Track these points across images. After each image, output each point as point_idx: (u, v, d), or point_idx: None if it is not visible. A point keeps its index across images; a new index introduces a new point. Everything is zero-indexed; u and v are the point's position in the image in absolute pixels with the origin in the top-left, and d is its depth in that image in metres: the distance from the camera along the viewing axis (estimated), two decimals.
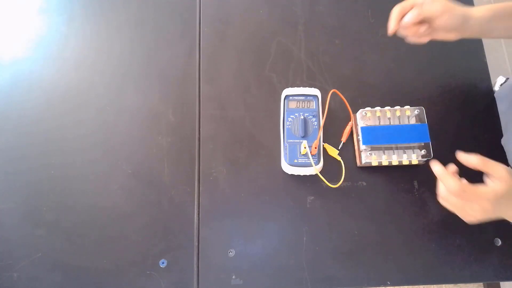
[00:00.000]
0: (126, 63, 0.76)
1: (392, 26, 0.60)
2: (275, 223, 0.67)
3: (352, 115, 0.71)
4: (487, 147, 0.71)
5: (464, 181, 0.51)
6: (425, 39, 0.62)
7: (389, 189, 0.68)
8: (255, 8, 0.81)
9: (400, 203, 0.67)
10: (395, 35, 0.79)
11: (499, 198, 0.49)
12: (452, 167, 0.53)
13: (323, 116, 0.68)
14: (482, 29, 0.59)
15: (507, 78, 0.74)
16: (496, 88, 0.76)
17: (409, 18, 0.58)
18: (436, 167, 0.53)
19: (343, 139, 0.70)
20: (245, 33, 0.79)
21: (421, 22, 0.59)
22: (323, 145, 0.69)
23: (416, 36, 0.61)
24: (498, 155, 0.70)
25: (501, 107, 0.73)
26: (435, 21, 0.58)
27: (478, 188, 0.50)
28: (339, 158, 0.69)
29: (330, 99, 0.69)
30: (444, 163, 0.69)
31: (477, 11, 0.59)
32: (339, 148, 0.70)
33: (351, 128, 0.71)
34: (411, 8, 0.58)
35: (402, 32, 0.61)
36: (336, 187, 0.67)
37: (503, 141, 0.70)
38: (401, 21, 0.59)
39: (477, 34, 0.61)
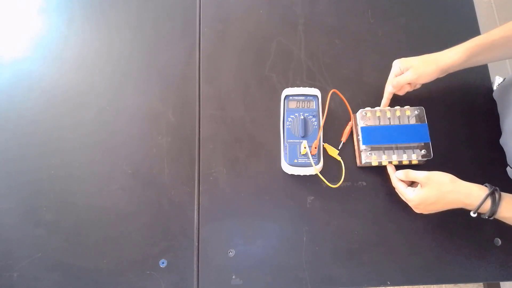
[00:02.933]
0: (126, 63, 0.76)
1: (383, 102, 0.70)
2: (275, 223, 0.67)
3: (352, 115, 0.71)
4: (487, 147, 0.71)
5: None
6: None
7: (389, 189, 0.68)
8: (255, 8, 0.81)
9: (400, 203, 0.67)
10: (395, 35, 0.80)
11: (418, 205, 0.60)
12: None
13: (323, 116, 0.68)
14: (461, 67, 0.64)
15: (504, 79, 0.74)
16: (495, 88, 0.76)
17: (390, 88, 0.68)
18: (389, 168, 0.66)
19: (343, 139, 0.70)
20: (245, 33, 0.79)
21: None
22: (323, 145, 0.69)
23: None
24: (498, 154, 0.70)
25: (498, 107, 0.73)
26: (416, 84, 0.67)
27: (405, 191, 0.61)
28: (339, 158, 0.69)
29: (330, 99, 0.69)
30: (444, 162, 0.70)
31: (451, 60, 0.62)
32: (339, 148, 0.70)
33: (351, 128, 0.71)
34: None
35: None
36: (336, 187, 0.67)
37: (501, 141, 0.70)
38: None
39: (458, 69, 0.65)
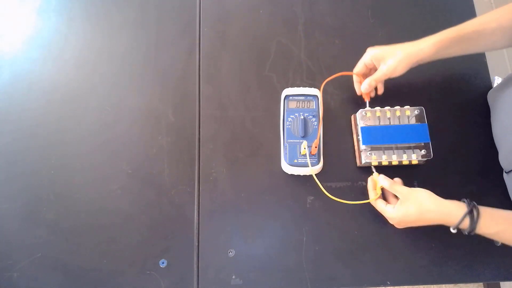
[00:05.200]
0: (126, 63, 0.76)
1: (358, 91, 0.71)
2: (275, 223, 0.67)
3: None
4: (487, 147, 0.71)
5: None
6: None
7: None
8: (255, 8, 0.81)
9: None
10: (395, 35, 0.80)
11: (399, 222, 0.60)
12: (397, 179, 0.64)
13: (322, 116, 0.68)
14: (432, 59, 0.64)
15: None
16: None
17: (365, 88, 0.68)
18: (369, 183, 0.66)
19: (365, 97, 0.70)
20: (245, 33, 0.79)
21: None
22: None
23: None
24: (496, 154, 0.70)
25: (491, 111, 0.73)
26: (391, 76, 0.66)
27: (385, 209, 0.61)
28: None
29: (330, 99, 0.69)
30: (444, 163, 0.70)
31: (423, 52, 0.62)
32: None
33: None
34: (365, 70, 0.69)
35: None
36: (336, 188, 0.67)
37: (495, 142, 0.70)
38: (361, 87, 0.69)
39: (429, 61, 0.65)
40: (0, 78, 0.75)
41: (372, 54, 0.66)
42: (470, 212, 0.53)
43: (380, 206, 0.62)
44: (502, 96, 0.67)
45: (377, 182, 0.64)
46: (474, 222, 0.53)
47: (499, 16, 0.60)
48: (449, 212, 0.55)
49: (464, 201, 0.55)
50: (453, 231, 0.56)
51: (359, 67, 0.69)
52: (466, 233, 0.55)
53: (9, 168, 0.69)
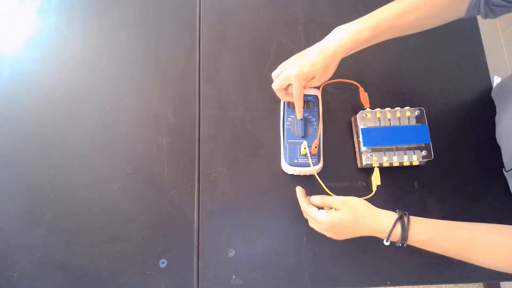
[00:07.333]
0: (126, 63, 0.76)
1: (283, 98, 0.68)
2: (275, 223, 0.67)
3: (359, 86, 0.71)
4: (487, 147, 0.71)
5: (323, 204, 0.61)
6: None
7: (389, 189, 0.68)
8: (255, 8, 0.81)
9: (400, 203, 0.67)
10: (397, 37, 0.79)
11: (331, 228, 0.57)
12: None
13: (321, 116, 0.68)
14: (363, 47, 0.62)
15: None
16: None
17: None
18: (298, 191, 0.65)
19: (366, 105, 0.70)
20: (245, 33, 0.79)
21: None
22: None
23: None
24: (498, 155, 0.70)
25: (496, 106, 0.73)
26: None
27: (317, 214, 0.58)
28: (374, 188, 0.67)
29: (329, 99, 0.69)
30: (444, 163, 0.70)
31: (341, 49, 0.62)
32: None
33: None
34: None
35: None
36: (336, 188, 0.67)
37: (497, 139, 0.70)
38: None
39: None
40: (0, 78, 0.75)
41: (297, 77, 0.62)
42: (400, 218, 0.53)
43: (312, 211, 0.60)
44: (507, 91, 0.66)
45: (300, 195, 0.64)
46: (405, 229, 0.52)
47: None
48: (382, 218, 0.54)
49: (396, 211, 0.55)
50: (386, 243, 0.55)
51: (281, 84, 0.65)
52: (399, 245, 0.54)
53: (9, 168, 0.69)
